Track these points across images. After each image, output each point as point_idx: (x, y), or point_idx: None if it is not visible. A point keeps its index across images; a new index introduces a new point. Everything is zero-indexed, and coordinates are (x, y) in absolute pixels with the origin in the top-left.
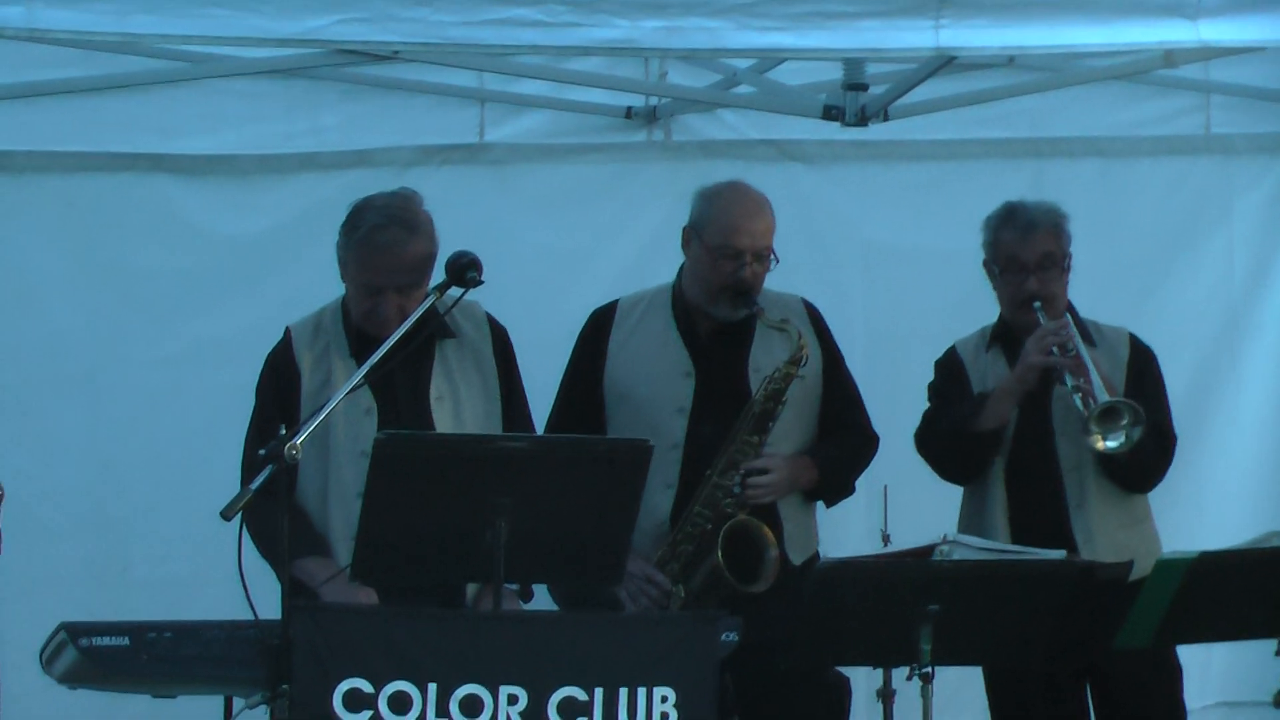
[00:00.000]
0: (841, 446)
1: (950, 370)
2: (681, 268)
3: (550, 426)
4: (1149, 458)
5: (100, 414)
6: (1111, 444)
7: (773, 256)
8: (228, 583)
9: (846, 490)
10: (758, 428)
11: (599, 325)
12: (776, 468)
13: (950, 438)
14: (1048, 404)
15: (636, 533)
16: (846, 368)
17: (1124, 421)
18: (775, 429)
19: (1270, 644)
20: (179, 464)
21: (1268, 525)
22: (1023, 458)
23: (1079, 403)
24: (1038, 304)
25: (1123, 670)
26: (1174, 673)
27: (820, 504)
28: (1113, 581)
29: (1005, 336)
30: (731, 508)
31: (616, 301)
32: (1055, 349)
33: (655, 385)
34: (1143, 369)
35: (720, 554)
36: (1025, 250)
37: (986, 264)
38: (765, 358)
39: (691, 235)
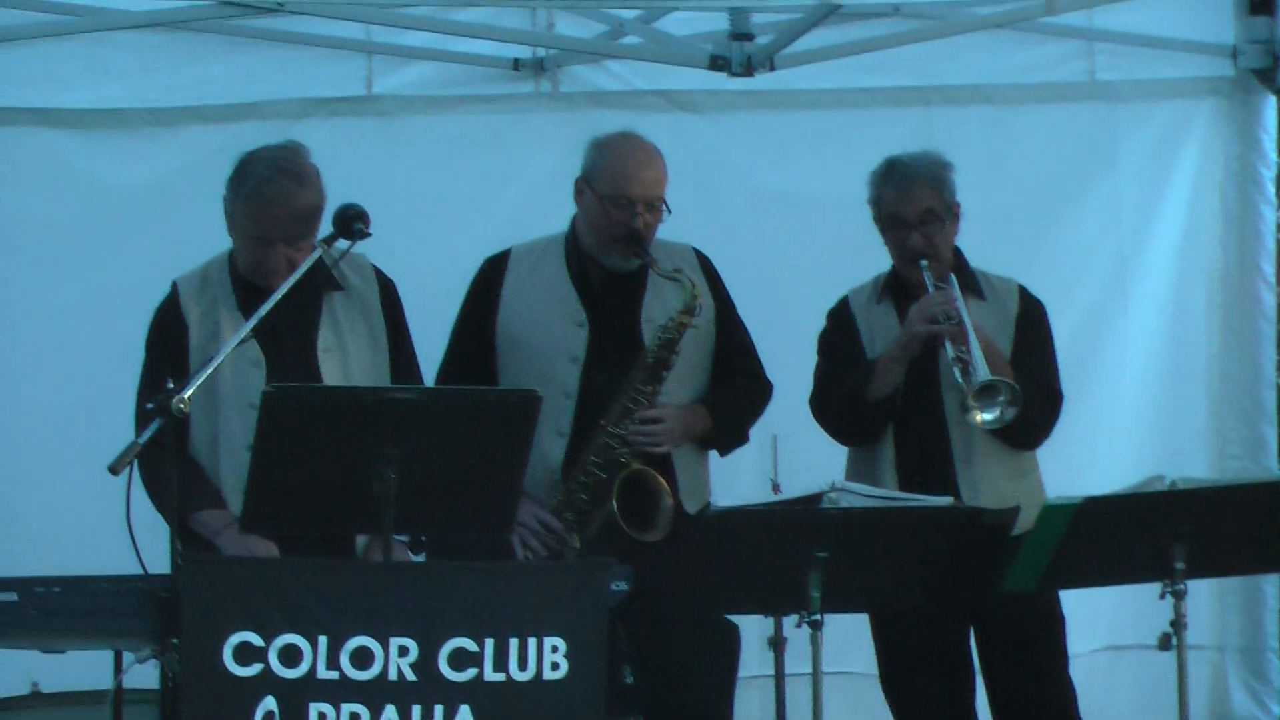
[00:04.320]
0: (736, 395)
1: (841, 321)
2: (574, 218)
3: (441, 375)
4: (1035, 417)
5: None
6: (987, 417)
7: (664, 207)
8: (121, 537)
9: (741, 438)
10: (651, 377)
11: (492, 273)
12: (669, 417)
13: (845, 407)
14: (935, 359)
15: (530, 481)
16: (739, 316)
17: (1001, 398)
18: (669, 378)
19: (1155, 588)
20: (69, 417)
21: (1154, 470)
22: (909, 412)
23: (958, 375)
24: (924, 262)
25: (1006, 616)
26: (1057, 619)
27: (712, 453)
28: (998, 527)
29: (896, 288)
30: (625, 457)
31: (510, 249)
32: (939, 317)
33: (548, 333)
34: (1031, 324)
35: (615, 503)
36: (905, 207)
37: (875, 218)
38: (658, 307)
39: (584, 185)
